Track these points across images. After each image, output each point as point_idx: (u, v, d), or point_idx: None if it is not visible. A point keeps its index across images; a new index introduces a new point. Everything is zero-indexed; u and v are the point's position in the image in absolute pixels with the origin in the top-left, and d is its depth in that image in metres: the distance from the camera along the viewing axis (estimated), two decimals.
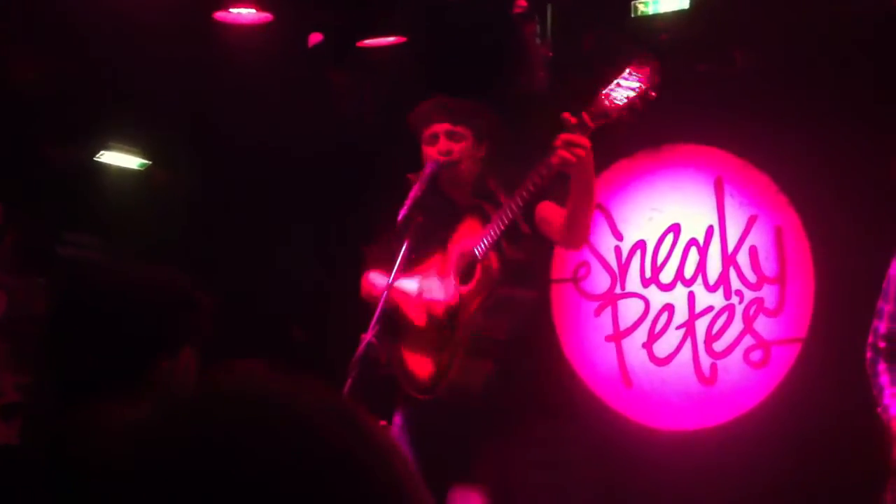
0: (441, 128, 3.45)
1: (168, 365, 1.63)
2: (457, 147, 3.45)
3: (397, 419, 3.53)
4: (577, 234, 3.31)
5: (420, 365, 3.51)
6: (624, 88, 3.06)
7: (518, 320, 3.45)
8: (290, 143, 5.29)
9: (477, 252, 3.40)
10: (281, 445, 0.70)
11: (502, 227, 3.31)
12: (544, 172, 3.16)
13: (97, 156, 5.13)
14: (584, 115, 3.08)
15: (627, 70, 3.08)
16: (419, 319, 3.50)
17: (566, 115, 3.05)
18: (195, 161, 5.29)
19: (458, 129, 3.45)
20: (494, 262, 3.40)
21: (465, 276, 3.47)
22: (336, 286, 5.41)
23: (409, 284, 3.51)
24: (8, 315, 4.80)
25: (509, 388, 3.42)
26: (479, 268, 3.43)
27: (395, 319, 3.53)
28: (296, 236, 5.46)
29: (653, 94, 3.04)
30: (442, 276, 3.50)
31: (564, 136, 3.04)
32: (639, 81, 3.04)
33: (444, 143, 3.44)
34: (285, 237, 5.43)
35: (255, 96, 4.78)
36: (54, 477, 1.45)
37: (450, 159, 3.43)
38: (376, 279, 3.59)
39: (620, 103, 3.05)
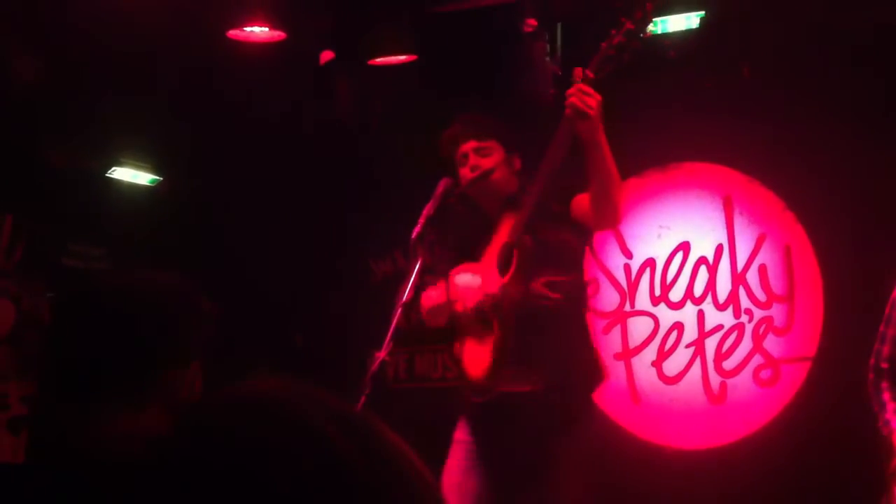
0: (469, 146, 3.44)
1: (176, 372, 1.62)
2: (485, 162, 3.44)
3: (460, 435, 3.46)
4: (607, 208, 3.21)
5: (476, 364, 3.46)
6: (620, 35, 3.09)
7: (560, 311, 3.38)
8: (298, 158, 5.31)
9: (510, 238, 3.37)
10: (296, 455, 0.70)
11: (531, 208, 3.28)
12: (561, 140, 3.15)
13: (109, 171, 5.15)
14: (587, 71, 3.09)
15: (620, 17, 3.09)
16: (465, 316, 3.47)
17: (576, 70, 3.07)
18: (204, 177, 5.31)
19: (486, 144, 3.43)
20: (529, 242, 3.36)
21: (503, 266, 3.43)
22: (339, 298, 5.43)
23: (459, 279, 3.48)
24: (15, 325, 4.81)
25: (567, 383, 3.35)
26: (515, 253, 3.39)
27: (453, 327, 3.52)
28: (301, 248, 5.48)
29: (647, 32, 3.07)
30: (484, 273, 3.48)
31: (575, 85, 3.06)
32: (632, 24, 3.07)
33: (472, 160, 3.43)
34: (291, 249, 5.44)
35: (261, 103, 4.80)
36: (64, 487, 1.44)
37: (478, 174, 3.41)
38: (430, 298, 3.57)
39: (618, 49, 3.08)
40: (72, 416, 1.52)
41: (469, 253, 3.52)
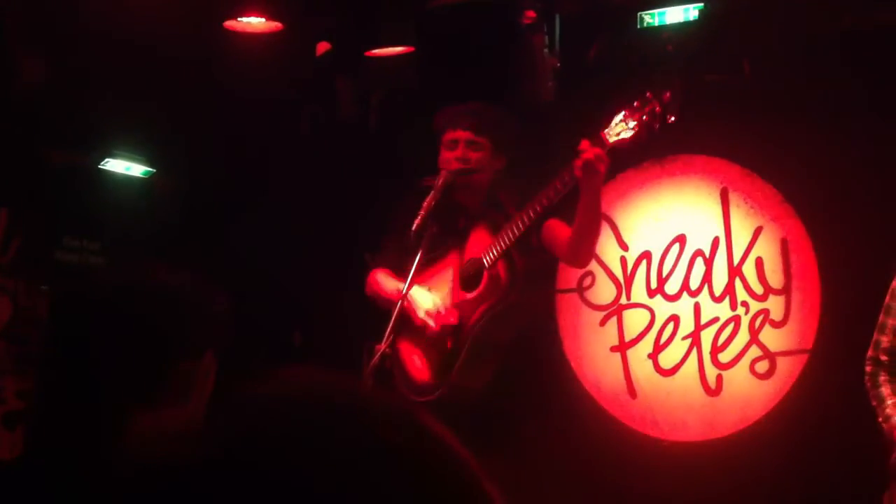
0: (463, 135, 3.47)
1: (188, 367, 1.59)
2: (474, 156, 3.47)
3: None
4: (584, 252, 3.39)
5: (420, 368, 3.53)
6: (642, 111, 3.11)
7: (521, 327, 3.49)
8: (293, 145, 5.29)
9: (485, 261, 3.42)
10: (342, 459, 0.66)
11: (513, 238, 3.34)
12: (560, 187, 3.20)
13: (102, 163, 5.12)
14: (602, 134, 3.13)
15: (647, 92, 3.11)
16: (421, 329, 3.53)
17: (584, 141, 3.12)
18: (200, 169, 5.28)
19: (480, 139, 3.47)
20: (503, 271, 3.42)
21: (470, 283, 3.49)
22: (340, 293, 5.41)
23: (419, 296, 3.52)
24: (11, 320, 4.78)
25: (508, 392, 3.46)
26: (485, 276, 3.45)
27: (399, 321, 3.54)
28: (298, 243, 5.46)
29: (671, 117, 3.08)
30: (450, 283, 3.52)
31: (590, 148, 3.09)
32: (657, 104, 3.08)
33: (462, 151, 3.46)
34: (288, 243, 5.42)
35: (260, 99, 4.78)
36: (76, 489, 1.40)
37: (466, 167, 3.44)
38: (385, 281, 3.61)
39: (635, 128, 3.10)
40: (81, 416, 1.49)
41: (446, 244, 3.54)
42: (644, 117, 3.11)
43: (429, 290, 3.55)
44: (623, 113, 3.14)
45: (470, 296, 3.48)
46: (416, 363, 3.57)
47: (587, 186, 3.15)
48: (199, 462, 0.67)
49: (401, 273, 3.55)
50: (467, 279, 3.51)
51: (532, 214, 3.28)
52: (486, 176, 3.51)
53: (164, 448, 0.70)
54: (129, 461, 0.73)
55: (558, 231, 3.39)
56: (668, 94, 3.09)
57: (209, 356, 1.63)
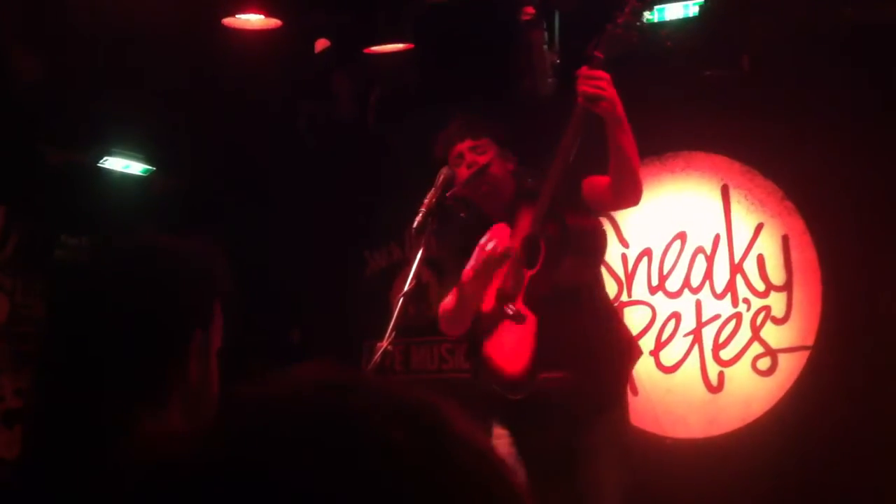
0: (464, 146, 3.43)
1: (199, 338, 1.51)
2: (481, 159, 3.43)
3: (497, 430, 3.42)
4: (629, 186, 3.20)
5: (512, 362, 3.42)
6: (627, 14, 3.10)
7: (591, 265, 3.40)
8: (291, 142, 5.28)
9: (534, 230, 3.33)
10: (353, 464, 0.63)
11: (550, 197, 3.26)
12: (574, 128, 3.14)
13: (101, 161, 5.11)
14: (596, 52, 3.09)
15: (625, 4, 3.11)
16: (492, 316, 3.43)
17: (582, 67, 3.08)
18: (194, 161, 5.27)
19: (480, 142, 3.43)
20: (554, 231, 3.32)
21: (531, 259, 3.40)
22: (335, 290, 5.40)
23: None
24: (9, 318, 4.76)
25: (598, 367, 3.33)
26: (542, 243, 3.36)
27: (478, 327, 3.47)
28: (293, 235, 5.45)
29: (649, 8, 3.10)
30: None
31: (580, 71, 3.06)
32: (638, 1, 3.09)
33: (468, 157, 3.42)
34: (282, 236, 5.41)
35: (258, 96, 4.76)
36: (76, 487, 1.36)
37: (473, 171, 3.39)
38: (450, 297, 3.51)
39: (625, 27, 3.09)
40: (83, 407, 1.45)
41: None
42: (627, 18, 3.09)
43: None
44: (608, 26, 3.12)
45: (534, 270, 3.38)
46: (507, 360, 3.44)
47: (607, 113, 3.09)
48: (202, 463, 0.65)
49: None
50: (528, 258, 3.41)
51: (559, 167, 3.20)
52: (500, 172, 3.44)
53: (166, 448, 0.68)
54: (130, 462, 0.71)
55: (597, 182, 3.29)
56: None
57: (198, 335, 1.53)
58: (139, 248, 1.53)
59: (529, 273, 3.38)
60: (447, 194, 3.34)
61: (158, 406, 1.44)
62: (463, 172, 3.40)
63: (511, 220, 3.43)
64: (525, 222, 3.40)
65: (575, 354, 3.29)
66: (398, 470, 0.64)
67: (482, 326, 3.47)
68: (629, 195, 3.28)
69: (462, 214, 3.42)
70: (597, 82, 3.05)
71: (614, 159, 3.15)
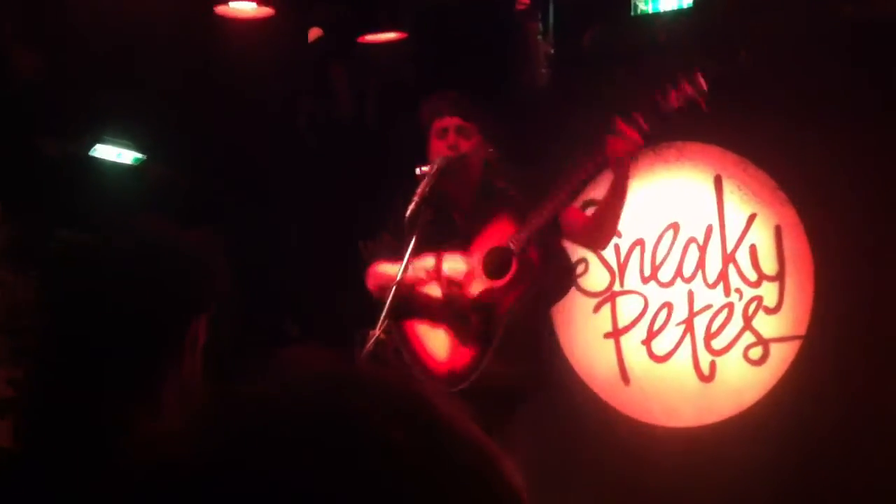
0: (452, 122, 3.45)
1: (193, 329, 1.50)
2: (465, 143, 3.45)
3: None
4: (607, 233, 3.42)
5: (447, 358, 3.48)
6: (676, 94, 3.11)
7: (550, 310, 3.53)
8: (289, 137, 5.27)
9: (512, 246, 3.38)
10: (350, 467, 0.62)
11: (545, 221, 3.31)
12: (592, 168, 3.20)
13: (91, 150, 5.08)
14: (638, 116, 3.13)
15: (680, 76, 3.12)
16: (435, 298, 3.48)
17: (619, 121, 3.12)
18: (191, 155, 5.25)
19: (469, 125, 3.45)
20: (536, 255, 3.38)
21: (497, 271, 3.44)
22: (336, 283, 5.40)
23: (426, 262, 3.49)
24: (4, 310, 4.75)
25: (541, 376, 3.49)
26: (515, 262, 3.40)
27: (407, 309, 3.51)
28: (291, 230, 5.44)
29: (703, 103, 3.11)
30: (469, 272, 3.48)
31: (619, 126, 3.09)
32: (692, 88, 3.10)
33: (452, 138, 3.44)
34: (281, 231, 5.40)
35: (255, 90, 4.75)
36: (81, 484, 1.34)
37: (459, 153, 3.42)
38: (386, 269, 3.57)
39: (671, 106, 3.10)
40: (82, 407, 1.42)
41: (436, 241, 3.50)
42: (679, 99, 3.11)
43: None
44: (658, 95, 3.14)
45: (500, 283, 3.44)
46: (437, 351, 3.52)
47: (618, 168, 3.15)
48: (201, 463, 0.64)
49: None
50: (493, 268, 3.46)
51: (565, 197, 3.28)
52: (477, 164, 3.49)
53: (165, 448, 0.68)
54: (129, 461, 0.70)
55: (574, 217, 3.40)
56: (699, 75, 3.11)
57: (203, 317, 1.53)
58: (135, 242, 1.52)
59: (490, 283, 3.44)
60: (418, 175, 3.39)
61: (154, 400, 1.44)
62: (440, 147, 3.44)
63: (482, 218, 3.47)
64: (502, 230, 3.44)
65: (521, 361, 3.41)
66: (398, 469, 0.63)
67: (416, 303, 3.51)
68: (601, 243, 3.61)
69: (429, 218, 3.44)
70: (631, 147, 3.13)
71: (605, 210, 3.28)
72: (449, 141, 3.45)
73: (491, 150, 3.53)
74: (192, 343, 1.49)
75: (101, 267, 1.51)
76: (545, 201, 3.31)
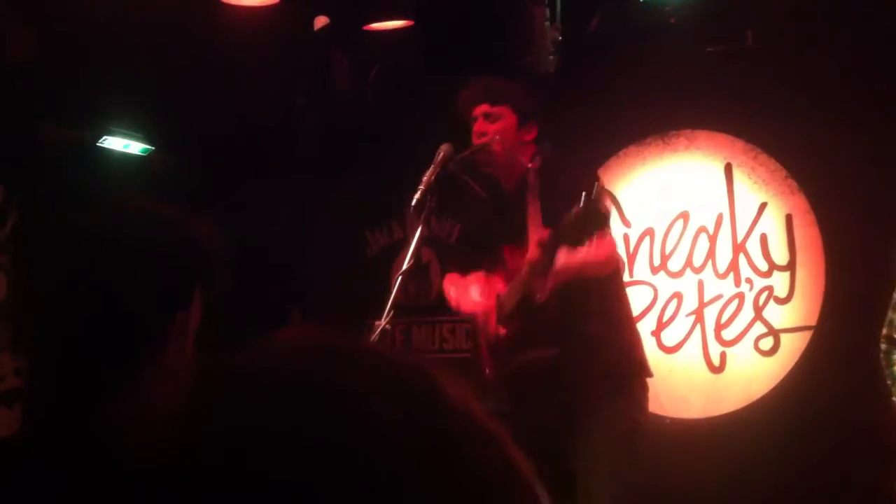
0: (480, 109, 3.37)
1: (182, 317, 1.45)
2: (492, 128, 3.35)
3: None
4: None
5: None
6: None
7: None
8: (293, 127, 5.24)
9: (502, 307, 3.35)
10: (342, 455, 0.59)
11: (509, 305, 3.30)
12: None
13: (100, 141, 5.07)
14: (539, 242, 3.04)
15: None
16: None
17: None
18: (196, 145, 5.24)
19: (496, 109, 3.34)
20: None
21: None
22: (335, 269, 5.38)
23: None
24: (8, 297, 4.74)
25: None
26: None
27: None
28: (296, 220, 5.42)
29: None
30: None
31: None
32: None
33: (480, 125, 3.37)
34: (286, 221, 5.39)
35: (258, 78, 4.72)
36: (79, 473, 1.32)
37: (484, 141, 3.34)
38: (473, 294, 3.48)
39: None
40: (63, 395, 1.40)
41: (494, 230, 3.44)
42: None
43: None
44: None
45: (503, 332, 3.40)
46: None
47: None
48: (185, 464, 0.61)
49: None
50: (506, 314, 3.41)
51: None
52: (510, 146, 3.37)
53: (148, 435, 0.65)
54: (114, 449, 0.67)
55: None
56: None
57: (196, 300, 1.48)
58: (118, 231, 1.46)
59: (500, 329, 3.39)
60: (450, 165, 3.31)
61: (138, 390, 1.40)
62: (474, 135, 3.37)
63: (515, 216, 3.38)
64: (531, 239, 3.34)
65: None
66: (394, 447, 0.60)
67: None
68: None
69: (472, 185, 3.37)
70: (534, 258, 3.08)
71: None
72: (477, 128, 3.39)
73: (531, 131, 3.38)
74: (180, 333, 1.45)
75: (79, 257, 1.46)
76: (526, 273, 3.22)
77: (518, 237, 3.33)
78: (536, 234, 3.21)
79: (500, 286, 3.41)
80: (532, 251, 3.11)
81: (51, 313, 1.44)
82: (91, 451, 1.29)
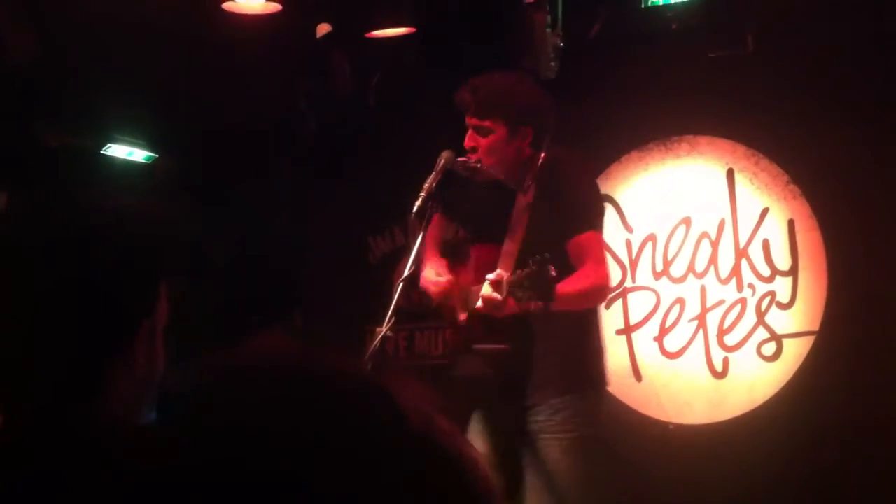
0: (471, 121, 3.37)
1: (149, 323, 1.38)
2: (483, 142, 3.34)
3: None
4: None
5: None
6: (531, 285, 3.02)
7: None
8: (295, 133, 5.26)
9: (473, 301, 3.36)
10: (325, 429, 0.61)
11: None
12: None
13: (104, 148, 5.09)
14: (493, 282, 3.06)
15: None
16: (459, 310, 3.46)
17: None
18: (198, 150, 5.25)
19: (485, 123, 3.33)
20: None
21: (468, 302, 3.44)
22: (338, 276, 5.39)
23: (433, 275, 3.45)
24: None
25: None
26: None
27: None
28: (299, 226, 5.43)
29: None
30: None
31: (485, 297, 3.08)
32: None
33: (469, 139, 3.37)
34: (289, 227, 5.40)
35: (261, 85, 4.74)
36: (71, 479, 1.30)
37: (473, 157, 3.36)
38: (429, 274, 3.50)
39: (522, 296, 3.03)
40: (51, 396, 1.33)
41: (491, 225, 3.45)
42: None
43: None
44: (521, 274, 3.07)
45: (463, 319, 3.43)
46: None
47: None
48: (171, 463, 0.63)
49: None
50: (469, 300, 3.44)
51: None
52: (502, 157, 3.36)
53: (135, 446, 0.65)
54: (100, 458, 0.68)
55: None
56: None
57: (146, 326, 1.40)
58: (75, 239, 1.37)
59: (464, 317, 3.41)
60: (455, 168, 3.33)
61: (103, 397, 1.36)
62: (466, 145, 3.38)
63: (511, 213, 3.40)
64: (519, 234, 3.38)
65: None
66: (343, 467, 0.60)
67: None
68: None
69: (478, 179, 3.37)
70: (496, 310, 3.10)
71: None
72: (468, 141, 3.39)
73: (527, 134, 3.36)
74: (147, 338, 1.39)
75: (38, 265, 1.37)
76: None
77: (499, 236, 3.37)
78: (516, 237, 3.28)
79: (465, 277, 3.45)
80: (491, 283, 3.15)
81: (7, 318, 1.37)
82: (69, 454, 1.28)
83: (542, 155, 3.38)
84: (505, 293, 3.06)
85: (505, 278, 3.08)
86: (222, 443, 0.61)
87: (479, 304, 3.15)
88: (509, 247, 3.35)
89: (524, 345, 3.35)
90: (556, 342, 3.34)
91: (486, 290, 3.10)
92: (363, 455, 0.61)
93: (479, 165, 3.34)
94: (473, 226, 3.57)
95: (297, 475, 0.60)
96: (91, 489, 1.17)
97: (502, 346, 3.34)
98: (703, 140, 4.60)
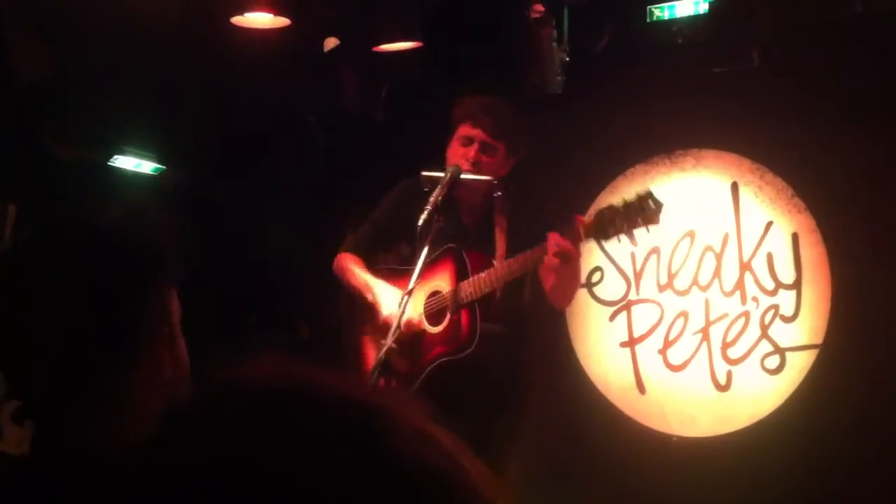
0: (479, 135, 3.40)
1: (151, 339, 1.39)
2: (487, 161, 3.41)
3: None
4: (561, 302, 3.46)
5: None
6: (625, 217, 3.09)
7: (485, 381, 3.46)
8: (303, 146, 5.28)
9: (449, 305, 3.38)
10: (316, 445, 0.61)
11: (478, 297, 3.34)
12: (530, 266, 3.22)
13: (111, 160, 5.12)
14: (579, 224, 3.11)
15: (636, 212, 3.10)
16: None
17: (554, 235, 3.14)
18: (206, 162, 5.28)
19: (496, 143, 3.41)
20: (465, 323, 3.38)
21: (434, 318, 3.47)
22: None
23: (384, 294, 3.48)
24: None
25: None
26: (448, 319, 3.42)
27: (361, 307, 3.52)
28: (306, 238, 5.45)
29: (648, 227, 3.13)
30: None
31: (559, 244, 3.08)
32: (642, 223, 3.08)
33: (475, 153, 3.40)
34: (296, 238, 5.41)
35: (269, 99, 4.77)
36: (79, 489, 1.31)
37: (476, 171, 3.40)
38: (356, 270, 3.57)
39: (617, 228, 3.09)
40: (63, 409, 1.37)
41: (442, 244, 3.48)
42: (626, 223, 3.10)
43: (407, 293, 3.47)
44: (607, 209, 3.13)
45: (432, 331, 3.46)
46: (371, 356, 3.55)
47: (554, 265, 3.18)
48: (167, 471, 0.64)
49: (370, 263, 3.57)
50: (432, 314, 3.48)
51: (498, 284, 3.31)
52: (497, 175, 3.46)
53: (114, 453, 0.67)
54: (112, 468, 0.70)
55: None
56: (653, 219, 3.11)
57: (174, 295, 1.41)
58: (84, 249, 1.38)
59: (427, 328, 3.46)
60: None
61: (102, 407, 1.36)
62: (461, 154, 3.41)
63: (486, 232, 3.45)
64: (474, 261, 3.42)
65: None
66: (336, 490, 0.61)
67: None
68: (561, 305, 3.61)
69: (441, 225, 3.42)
70: (567, 261, 3.20)
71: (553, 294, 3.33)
72: (471, 154, 3.41)
73: (510, 165, 3.48)
74: (169, 341, 1.41)
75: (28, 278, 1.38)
76: (486, 277, 3.31)
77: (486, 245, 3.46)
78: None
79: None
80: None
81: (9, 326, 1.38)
82: (83, 459, 1.30)
83: None
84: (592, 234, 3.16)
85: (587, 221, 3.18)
86: (213, 466, 0.62)
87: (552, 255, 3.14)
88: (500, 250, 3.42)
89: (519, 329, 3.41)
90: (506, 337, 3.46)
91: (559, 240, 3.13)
92: (353, 478, 0.61)
93: (483, 178, 3.39)
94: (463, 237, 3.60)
95: (284, 500, 0.61)
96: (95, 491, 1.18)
97: (500, 329, 3.39)
98: (708, 154, 4.63)
